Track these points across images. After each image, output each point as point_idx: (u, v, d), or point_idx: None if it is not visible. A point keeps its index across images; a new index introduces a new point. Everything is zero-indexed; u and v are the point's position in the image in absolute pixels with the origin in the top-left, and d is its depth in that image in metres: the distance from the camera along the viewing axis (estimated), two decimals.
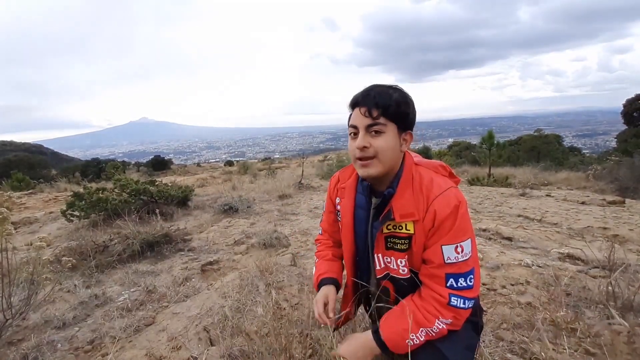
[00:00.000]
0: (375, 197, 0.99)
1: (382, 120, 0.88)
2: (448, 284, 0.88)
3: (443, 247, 0.87)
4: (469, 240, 0.89)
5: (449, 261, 0.87)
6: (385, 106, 0.88)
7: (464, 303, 0.88)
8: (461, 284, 0.88)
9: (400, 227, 0.92)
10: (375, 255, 0.99)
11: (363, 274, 1.11)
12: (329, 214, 1.20)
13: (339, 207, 1.11)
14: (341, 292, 1.19)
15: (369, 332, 0.95)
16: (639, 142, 14.59)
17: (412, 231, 0.91)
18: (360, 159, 0.91)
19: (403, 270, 0.97)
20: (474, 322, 1.00)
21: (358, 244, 1.06)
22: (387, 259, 0.98)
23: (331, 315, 1.04)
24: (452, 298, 0.87)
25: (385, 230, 0.95)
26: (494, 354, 1.47)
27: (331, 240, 1.23)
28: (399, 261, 0.96)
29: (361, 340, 0.95)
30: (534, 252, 2.81)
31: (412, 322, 0.88)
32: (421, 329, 0.88)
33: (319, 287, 1.14)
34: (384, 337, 0.90)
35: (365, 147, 0.89)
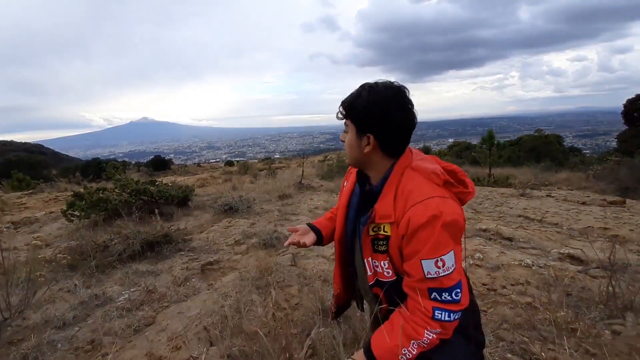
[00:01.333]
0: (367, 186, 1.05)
1: (345, 120, 0.98)
2: (432, 297, 0.85)
3: (422, 261, 0.83)
4: (451, 252, 0.83)
5: (429, 276, 0.83)
6: (346, 107, 0.96)
7: (449, 316, 0.85)
8: (445, 297, 0.84)
9: (379, 229, 0.93)
10: (365, 260, 1.00)
11: (348, 257, 1.14)
12: (341, 192, 1.29)
13: (343, 190, 1.19)
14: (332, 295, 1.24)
15: (361, 351, 0.93)
16: (639, 142, 14.58)
17: (388, 233, 0.91)
18: None
19: (387, 273, 0.96)
20: (469, 335, 0.97)
21: (347, 227, 1.11)
22: (374, 262, 0.98)
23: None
24: (436, 312, 0.84)
25: (371, 233, 0.96)
26: (494, 354, 1.47)
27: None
28: (382, 263, 0.96)
29: None
30: (535, 252, 2.80)
31: (402, 336, 0.86)
32: (412, 341, 0.86)
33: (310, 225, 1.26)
34: (375, 354, 0.88)
35: (342, 140, 1.02)
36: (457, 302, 0.85)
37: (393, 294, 0.97)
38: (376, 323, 1.10)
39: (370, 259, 0.98)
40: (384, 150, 0.93)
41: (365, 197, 1.02)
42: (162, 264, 2.95)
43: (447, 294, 0.84)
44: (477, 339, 1.00)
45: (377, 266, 0.98)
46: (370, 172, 1.00)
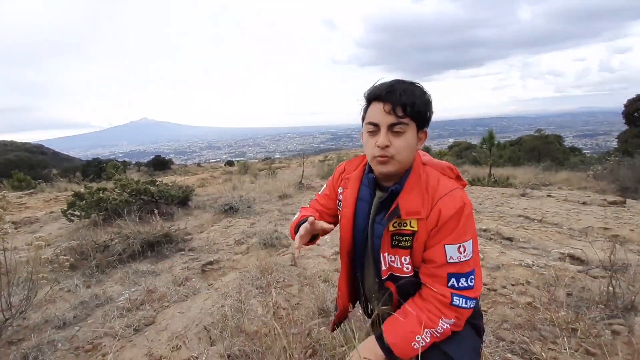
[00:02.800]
0: (380, 190, 1.00)
1: (405, 119, 0.87)
2: (449, 284, 0.88)
3: (446, 246, 0.87)
4: (471, 240, 0.89)
5: (451, 260, 0.87)
6: (411, 105, 0.86)
7: (466, 303, 0.88)
8: (462, 284, 0.88)
9: (405, 224, 0.92)
10: (382, 255, 0.98)
11: (358, 269, 1.11)
12: (326, 198, 1.18)
13: (340, 197, 1.10)
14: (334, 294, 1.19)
15: (372, 338, 0.92)
16: (639, 143, 14.57)
17: (415, 228, 0.91)
18: (379, 156, 0.90)
19: (407, 268, 0.96)
20: (477, 325, 1.00)
21: (356, 236, 1.05)
22: (391, 257, 0.97)
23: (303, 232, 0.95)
24: (455, 297, 0.87)
25: (391, 228, 0.94)
26: (495, 354, 1.47)
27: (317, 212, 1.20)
28: (403, 259, 0.95)
29: (366, 348, 0.92)
30: (535, 252, 2.80)
31: (416, 323, 0.87)
32: (425, 330, 0.86)
33: (297, 228, 1.04)
34: (388, 342, 0.88)
35: (387, 146, 0.88)
36: (471, 288, 0.88)
37: (406, 290, 0.97)
38: (379, 323, 1.09)
39: (387, 254, 0.97)
40: (422, 145, 0.95)
41: (386, 199, 0.96)
42: (162, 264, 2.95)
43: (464, 279, 0.87)
44: (480, 327, 1.03)
45: (393, 261, 0.97)
46: (402, 172, 0.94)
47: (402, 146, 0.88)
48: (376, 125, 0.89)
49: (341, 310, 1.21)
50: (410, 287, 0.97)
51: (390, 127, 0.87)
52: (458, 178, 0.98)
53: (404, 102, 0.86)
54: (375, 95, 0.90)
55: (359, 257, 1.08)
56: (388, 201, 0.95)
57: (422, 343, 0.86)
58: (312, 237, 1.07)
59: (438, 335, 0.87)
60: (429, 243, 0.91)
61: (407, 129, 0.88)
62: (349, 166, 1.13)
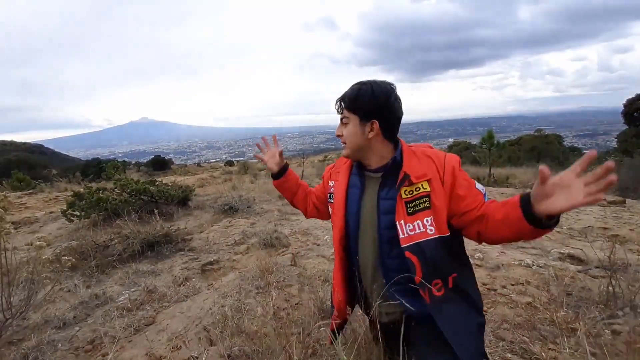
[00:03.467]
0: (370, 172, 1.10)
1: (345, 113, 1.07)
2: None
3: (476, 186, 1.02)
4: None
5: (484, 192, 1.03)
6: (344, 101, 1.06)
7: None
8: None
9: (418, 189, 1.01)
10: (397, 223, 1.01)
11: (353, 261, 1.12)
12: (320, 187, 1.34)
13: (332, 190, 1.20)
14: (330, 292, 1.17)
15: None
16: (639, 142, 14.58)
17: (428, 189, 1.00)
18: (342, 141, 1.12)
19: (431, 230, 0.99)
20: (482, 323, 1.03)
21: (349, 222, 1.11)
22: (409, 226, 1.00)
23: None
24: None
25: (404, 196, 1.01)
26: (495, 354, 1.47)
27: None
28: (425, 220, 1.00)
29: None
30: (535, 252, 2.80)
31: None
32: None
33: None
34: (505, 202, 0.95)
35: (338, 135, 1.11)
36: None
37: (433, 256, 0.98)
38: (377, 321, 1.09)
39: (402, 221, 1.01)
40: (384, 135, 1.05)
41: (387, 172, 1.07)
42: (162, 264, 2.95)
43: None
44: (484, 325, 1.08)
45: (412, 229, 0.99)
46: (371, 157, 1.08)
47: (347, 134, 1.07)
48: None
49: (337, 309, 1.19)
50: (436, 256, 0.98)
51: (341, 119, 1.09)
52: None
53: (342, 99, 1.07)
54: None
55: (353, 248, 1.11)
56: (390, 176, 1.04)
57: None
58: (282, 178, 1.33)
59: None
60: (461, 193, 0.99)
61: (349, 120, 1.06)
62: (339, 162, 1.26)
